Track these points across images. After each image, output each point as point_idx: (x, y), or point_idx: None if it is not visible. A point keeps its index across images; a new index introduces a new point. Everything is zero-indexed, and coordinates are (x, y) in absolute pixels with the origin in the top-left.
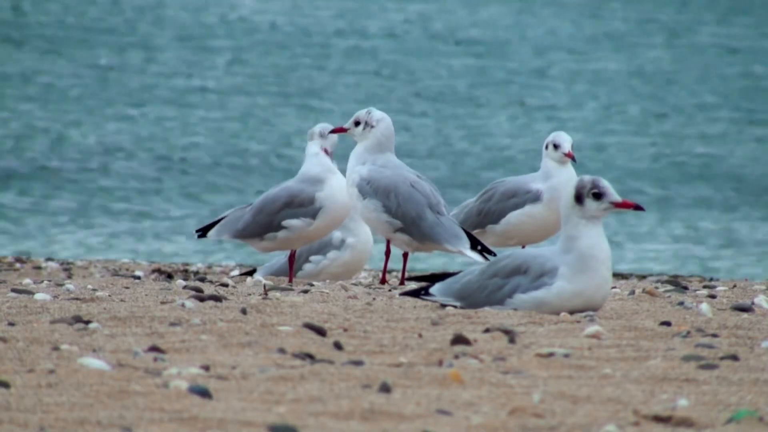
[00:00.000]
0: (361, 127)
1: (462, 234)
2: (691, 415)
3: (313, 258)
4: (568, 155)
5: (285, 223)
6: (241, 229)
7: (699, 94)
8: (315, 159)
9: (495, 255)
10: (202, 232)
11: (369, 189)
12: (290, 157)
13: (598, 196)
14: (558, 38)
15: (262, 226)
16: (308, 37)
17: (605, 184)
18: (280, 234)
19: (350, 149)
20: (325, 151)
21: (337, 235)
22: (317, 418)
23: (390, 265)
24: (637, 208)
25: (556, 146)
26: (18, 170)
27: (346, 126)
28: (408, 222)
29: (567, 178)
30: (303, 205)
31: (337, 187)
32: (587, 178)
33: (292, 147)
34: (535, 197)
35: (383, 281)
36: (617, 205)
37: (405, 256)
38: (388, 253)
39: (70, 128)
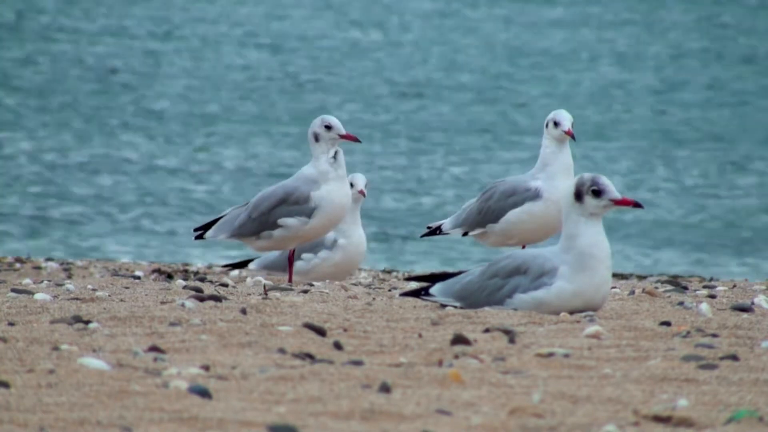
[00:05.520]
0: None
1: None
2: (691, 415)
3: (304, 256)
4: (567, 133)
5: (281, 221)
6: (238, 228)
7: None
8: (319, 164)
9: None
10: (200, 233)
11: None
12: None
13: (598, 193)
14: None
15: (258, 225)
16: None
17: (605, 181)
18: (276, 232)
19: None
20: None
21: (329, 235)
22: (317, 418)
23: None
24: (636, 205)
25: (556, 124)
26: None
27: None
28: None
29: (564, 167)
30: (298, 203)
31: (334, 188)
32: (587, 175)
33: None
34: (534, 195)
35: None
36: (617, 202)
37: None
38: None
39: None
